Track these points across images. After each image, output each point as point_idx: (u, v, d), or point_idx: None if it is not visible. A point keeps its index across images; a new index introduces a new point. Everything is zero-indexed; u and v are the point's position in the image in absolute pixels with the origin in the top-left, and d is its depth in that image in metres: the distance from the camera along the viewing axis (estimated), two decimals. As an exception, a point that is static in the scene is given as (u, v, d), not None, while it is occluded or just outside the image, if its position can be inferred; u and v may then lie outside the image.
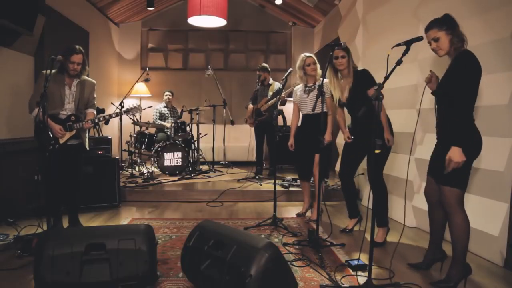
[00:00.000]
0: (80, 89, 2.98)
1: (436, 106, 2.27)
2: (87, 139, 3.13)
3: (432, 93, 2.33)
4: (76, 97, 2.96)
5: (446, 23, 2.13)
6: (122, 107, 4.72)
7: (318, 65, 3.42)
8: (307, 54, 3.45)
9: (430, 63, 3.06)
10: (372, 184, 2.88)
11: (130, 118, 5.38)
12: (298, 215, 3.75)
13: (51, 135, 2.84)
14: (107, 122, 5.36)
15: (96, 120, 3.04)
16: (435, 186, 2.31)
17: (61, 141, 2.91)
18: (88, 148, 3.15)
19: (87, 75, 3.07)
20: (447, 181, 2.14)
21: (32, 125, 2.94)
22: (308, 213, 3.76)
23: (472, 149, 2.10)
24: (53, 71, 2.74)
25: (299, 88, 3.55)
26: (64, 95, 2.91)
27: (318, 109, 2.98)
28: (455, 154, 2.03)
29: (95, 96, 3.15)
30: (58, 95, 2.89)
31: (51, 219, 2.61)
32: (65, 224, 3.13)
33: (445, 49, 2.15)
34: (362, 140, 2.88)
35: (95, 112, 3.14)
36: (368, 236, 2.57)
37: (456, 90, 2.07)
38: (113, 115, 3.21)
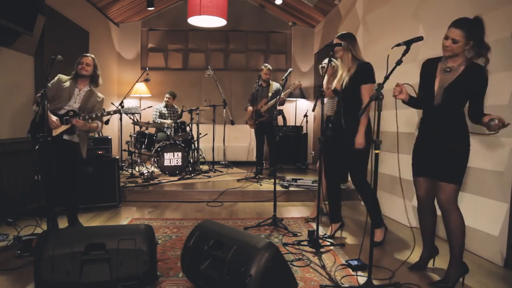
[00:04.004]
0: (86, 97, 3.07)
1: (437, 104, 2.26)
2: (85, 148, 3.13)
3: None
4: (82, 100, 3.04)
5: (474, 32, 2.08)
6: (122, 106, 4.70)
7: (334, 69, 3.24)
8: (324, 63, 3.43)
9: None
10: (357, 188, 2.90)
11: (131, 118, 5.38)
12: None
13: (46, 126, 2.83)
14: (107, 122, 5.36)
15: (94, 116, 3.01)
16: (428, 186, 2.32)
17: (54, 133, 2.90)
18: (84, 156, 3.13)
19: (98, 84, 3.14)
20: (448, 178, 2.17)
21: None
22: (308, 213, 3.75)
23: (469, 147, 2.18)
24: (69, 76, 3.09)
25: None
26: (72, 93, 3.03)
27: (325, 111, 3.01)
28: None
29: (102, 109, 3.16)
30: (68, 92, 3.01)
31: (48, 219, 2.60)
32: (65, 224, 3.12)
33: (455, 52, 2.14)
34: (343, 139, 2.79)
35: (100, 125, 3.15)
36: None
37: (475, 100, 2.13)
38: (111, 112, 3.17)
